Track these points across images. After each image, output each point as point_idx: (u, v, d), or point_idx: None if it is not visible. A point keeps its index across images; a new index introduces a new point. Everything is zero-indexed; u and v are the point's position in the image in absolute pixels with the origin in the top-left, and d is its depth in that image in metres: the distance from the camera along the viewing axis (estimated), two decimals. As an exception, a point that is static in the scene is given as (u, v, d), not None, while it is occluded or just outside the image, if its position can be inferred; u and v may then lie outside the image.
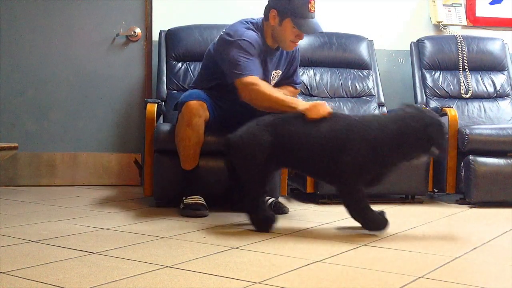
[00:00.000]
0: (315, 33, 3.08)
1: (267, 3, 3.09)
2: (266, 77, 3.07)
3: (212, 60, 3.16)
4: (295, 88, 3.36)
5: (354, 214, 2.65)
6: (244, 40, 2.95)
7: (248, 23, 3.09)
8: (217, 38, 3.14)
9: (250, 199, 2.67)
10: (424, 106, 3.98)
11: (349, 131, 2.61)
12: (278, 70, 3.20)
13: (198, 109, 3.02)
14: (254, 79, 2.89)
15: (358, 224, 2.67)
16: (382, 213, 2.68)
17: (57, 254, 2.17)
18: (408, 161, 2.75)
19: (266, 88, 2.91)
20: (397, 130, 2.56)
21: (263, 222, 2.67)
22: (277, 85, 3.21)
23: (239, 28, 3.03)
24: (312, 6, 2.99)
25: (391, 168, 2.69)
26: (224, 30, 3.09)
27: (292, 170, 3.55)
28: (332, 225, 2.83)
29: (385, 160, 2.61)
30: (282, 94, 2.93)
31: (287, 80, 3.30)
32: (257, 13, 4.30)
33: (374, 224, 2.65)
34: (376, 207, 3.36)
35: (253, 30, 3.04)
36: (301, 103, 2.80)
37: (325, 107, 2.72)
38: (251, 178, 2.67)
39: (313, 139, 2.65)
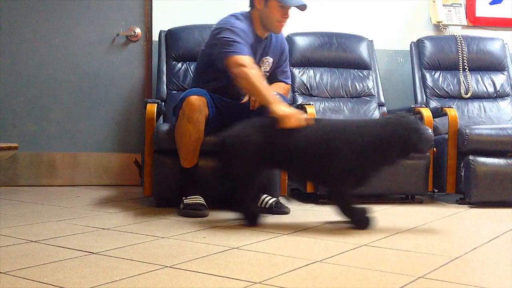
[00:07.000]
0: (298, 5, 3.12)
1: None
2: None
3: (206, 59, 3.23)
4: (286, 83, 3.44)
5: (345, 213, 2.76)
6: (234, 27, 3.06)
7: (236, 15, 3.18)
8: (209, 35, 3.25)
9: (239, 196, 2.82)
10: (424, 105, 3.98)
11: (334, 136, 2.71)
12: (268, 57, 3.28)
13: (199, 105, 3.04)
14: (244, 59, 2.95)
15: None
16: (365, 211, 2.77)
17: (57, 254, 2.17)
18: (390, 166, 2.83)
19: (254, 73, 2.92)
20: (379, 135, 2.67)
21: (250, 217, 2.82)
22: (270, 76, 3.32)
23: (229, 20, 3.14)
24: None
25: (374, 172, 2.77)
26: (214, 26, 3.21)
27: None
28: (332, 225, 2.82)
29: (368, 164, 2.70)
30: (266, 87, 2.99)
31: (278, 69, 3.37)
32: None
33: (361, 222, 2.75)
34: (376, 207, 3.38)
35: (242, 21, 3.13)
36: (280, 107, 2.83)
37: (298, 119, 2.79)
38: (241, 176, 2.79)
39: (300, 144, 2.75)
